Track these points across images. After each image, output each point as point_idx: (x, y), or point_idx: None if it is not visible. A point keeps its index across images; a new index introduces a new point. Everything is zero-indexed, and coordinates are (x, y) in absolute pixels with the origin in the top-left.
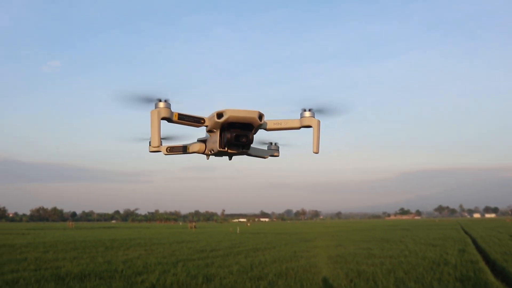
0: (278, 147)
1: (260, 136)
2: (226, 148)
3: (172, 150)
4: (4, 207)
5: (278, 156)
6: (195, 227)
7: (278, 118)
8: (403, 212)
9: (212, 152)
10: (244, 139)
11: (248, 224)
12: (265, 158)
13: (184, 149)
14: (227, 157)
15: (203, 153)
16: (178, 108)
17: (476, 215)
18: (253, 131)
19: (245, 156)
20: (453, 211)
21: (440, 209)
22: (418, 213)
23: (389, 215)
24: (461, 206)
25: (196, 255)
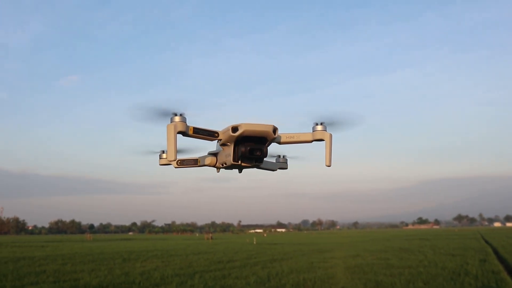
0: (287, 159)
1: (268, 149)
2: (239, 162)
3: (182, 163)
4: (23, 220)
5: (286, 168)
6: (211, 238)
7: (290, 131)
8: (421, 221)
9: (224, 165)
10: (258, 153)
11: (265, 235)
12: (274, 171)
13: (194, 162)
14: (237, 170)
15: (214, 166)
16: (192, 121)
17: (497, 224)
18: (266, 145)
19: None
20: (472, 220)
21: (459, 218)
22: (437, 222)
23: (407, 225)
24: (481, 215)
25: (213, 266)
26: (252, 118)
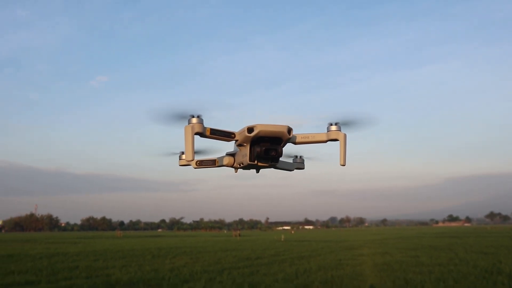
0: (303, 160)
1: (285, 150)
2: (255, 161)
3: (201, 164)
4: (57, 217)
5: (303, 169)
6: (239, 235)
7: (309, 130)
8: (452, 219)
9: (241, 165)
10: (273, 153)
11: (292, 232)
12: (291, 171)
13: (213, 163)
14: (254, 170)
15: (232, 166)
16: (210, 122)
17: None
18: (282, 145)
19: (277, 172)
20: (505, 218)
21: (491, 215)
22: (468, 220)
23: (437, 222)
24: None
25: (241, 263)
26: (273, 118)
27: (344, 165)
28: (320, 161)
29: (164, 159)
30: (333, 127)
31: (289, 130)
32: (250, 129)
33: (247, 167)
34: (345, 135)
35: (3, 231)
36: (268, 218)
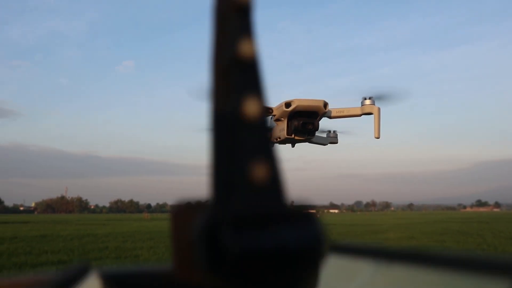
0: (337, 134)
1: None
2: (293, 135)
3: None
4: (86, 200)
5: (337, 143)
6: None
7: (340, 107)
8: (481, 204)
9: (279, 139)
10: (310, 126)
11: (318, 216)
12: (325, 145)
13: None
14: (289, 145)
15: None
16: None
17: None
18: (318, 119)
19: (311, 147)
20: None
21: None
22: (497, 205)
23: (464, 207)
24: None
25: None
26: (304, 96)
27: (378, 138)
28: (353, 135)
29: (197, 141)
30: (367, 101)
31: (325, 104)
32: (287, 104)
33: (283, 141)
34: (379, 109)
35: (35, 212)
36: (293, 202)
